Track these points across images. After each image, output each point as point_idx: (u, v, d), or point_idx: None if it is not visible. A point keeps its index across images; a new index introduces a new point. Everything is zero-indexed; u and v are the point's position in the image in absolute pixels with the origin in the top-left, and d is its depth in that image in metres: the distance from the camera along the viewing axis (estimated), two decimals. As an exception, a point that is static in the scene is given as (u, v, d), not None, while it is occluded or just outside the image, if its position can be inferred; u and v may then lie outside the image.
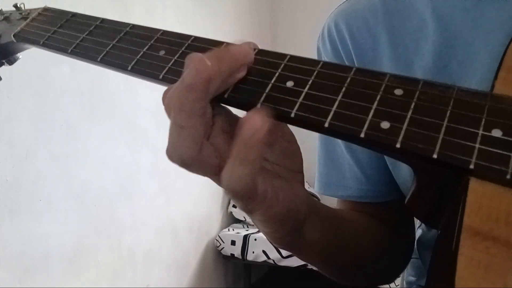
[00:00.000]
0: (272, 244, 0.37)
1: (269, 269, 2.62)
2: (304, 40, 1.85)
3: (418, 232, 0.59)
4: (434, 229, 0.31)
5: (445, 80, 0.42)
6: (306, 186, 2.69)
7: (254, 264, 2.28)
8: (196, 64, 0.27)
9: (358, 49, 0.50)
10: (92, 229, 1.52)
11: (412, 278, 0.61)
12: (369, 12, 0.49)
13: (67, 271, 1.42)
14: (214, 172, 0.29)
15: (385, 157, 0.51)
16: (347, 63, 0.51)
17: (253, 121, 0.26)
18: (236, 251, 2.17)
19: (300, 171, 0.34)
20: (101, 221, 1.56)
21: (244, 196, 0.28)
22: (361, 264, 0.49)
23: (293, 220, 0.33)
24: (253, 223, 0.35)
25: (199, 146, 0.28)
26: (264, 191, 0.29)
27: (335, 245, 0.43)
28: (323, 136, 0.54)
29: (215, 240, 2.23)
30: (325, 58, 0.54)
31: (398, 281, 1.85)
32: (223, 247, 2.20)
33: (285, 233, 0.34)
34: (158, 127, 1.76)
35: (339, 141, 0.54)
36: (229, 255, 2.20)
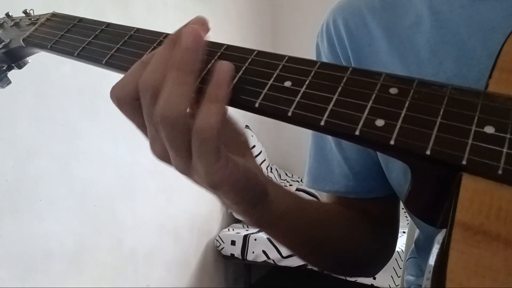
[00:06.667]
0: (248, 224, 0.40)
1: (269, 269, 2.62)
2: (305, 40, 1.86)
3: (417, 232, 0.59)
4: (432, 228, 0.32)
5: (440, 77, 0.43)
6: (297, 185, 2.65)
7: (254, 264, 2.27)
8: (193, 32, 0.32)
9: (355, 45, 0.50)
10: (93, 229, 1.53)
11: (411, 278, 0.61)
12: (366, 8, 0.50)
13: (68, 270, 1.43)
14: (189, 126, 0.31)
15: (378, 155, 0.52)
16: (342, 60, 0.51)
17: (222, 65, 0.31)
18: (236, 251, 2.17)
19: (247, 148, 0.38)
20: (101, 221, 1.56)
21: (212, 148, 0.30)
22: (333, 251, 0.50)
23: (254, 190, 0.36)
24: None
25: (190, 102, 0.31)
26: (226, 156, 0.32)
27: (304, 225, 0.45)
28: (315, 132, 0.56)
29: (215, 240, 2.23)
30: (323, 53, 0.55)
31: (398, 281, 1.85)
32: (223, 247, 2.21)
33: (250, 204, 0.37)
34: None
35: (330, 138, 0.56)
36: (229, 255, 2.20)
